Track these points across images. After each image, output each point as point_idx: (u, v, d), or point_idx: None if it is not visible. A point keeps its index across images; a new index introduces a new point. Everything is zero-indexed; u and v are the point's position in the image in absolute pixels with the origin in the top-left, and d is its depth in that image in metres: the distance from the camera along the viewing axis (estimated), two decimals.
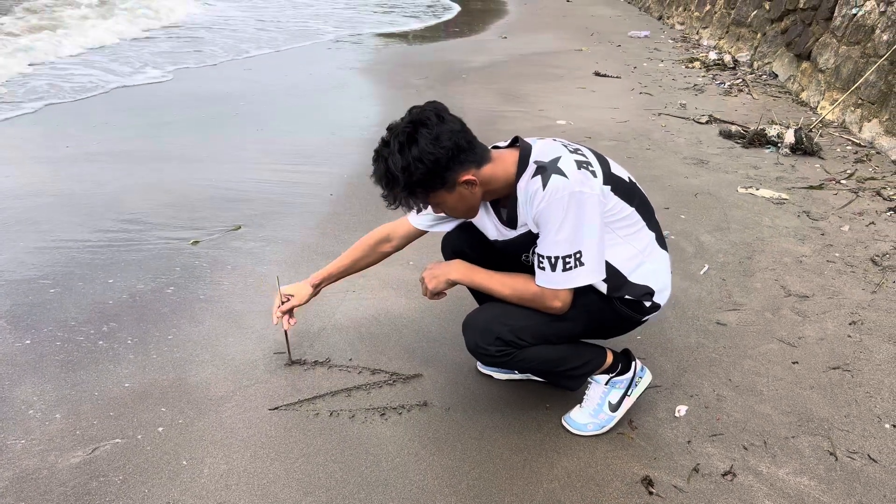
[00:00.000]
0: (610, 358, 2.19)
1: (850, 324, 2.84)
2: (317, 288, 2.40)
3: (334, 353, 2.57)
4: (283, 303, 2.35)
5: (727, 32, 9.39)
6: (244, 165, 4.68)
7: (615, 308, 2.01)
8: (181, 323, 2.76)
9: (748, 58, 8.34)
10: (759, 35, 8.32)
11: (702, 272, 3.25)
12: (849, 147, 5.22)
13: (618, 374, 2.20)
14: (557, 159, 1.85)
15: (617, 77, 7.74)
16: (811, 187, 4.39)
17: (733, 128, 5.63)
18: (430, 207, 1.97)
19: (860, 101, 5.50)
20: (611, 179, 1.90)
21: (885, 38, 5.36)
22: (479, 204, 1.97)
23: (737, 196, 4.24)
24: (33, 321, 2.75)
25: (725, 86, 7.29)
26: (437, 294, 2.07)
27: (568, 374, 2.12)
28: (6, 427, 2.16)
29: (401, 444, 2.13)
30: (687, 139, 5.46)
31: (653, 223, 2.04)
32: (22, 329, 2.70)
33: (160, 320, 2.78)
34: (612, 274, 1.95)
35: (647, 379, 2.28)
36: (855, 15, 5.87)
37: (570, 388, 2.21)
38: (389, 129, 1.83)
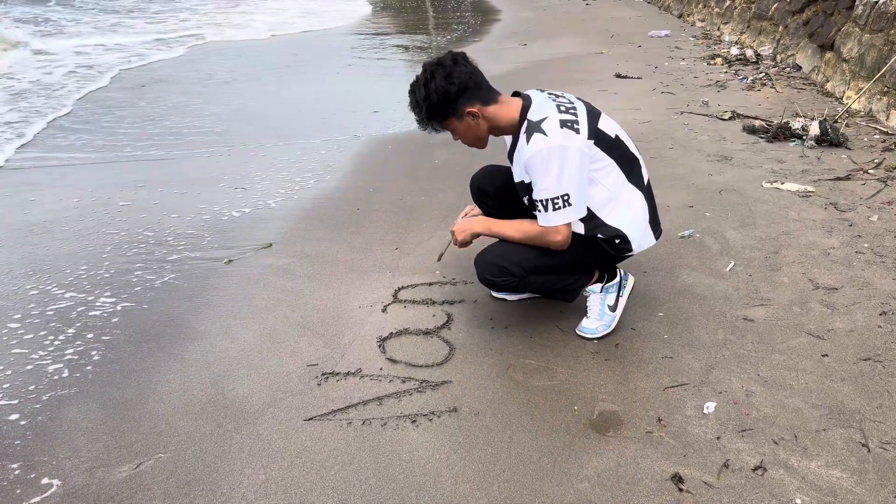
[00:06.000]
0: (596, 275, 2.72)
1: (880, 314, 2.82)
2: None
3: (365, 364, 2.64)
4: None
5: (748, 27, 9.30)
6: (273, 183, 4.79)
7: (595, 244, 2.48)
8: (217, 339, 2.85)
9: (771, 51, 8.26)
10: (780, 28, 8.23)
11: (727, 269, 3.25)
12: (876, 136, 5.14)
13: (607, 282, 2.71)
14: (543, 120, 2.29)
15: (638, 78, 7.72)
16: (838, 178, 4.34)
17: (757, 122, 5.58)
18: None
19: (886, 89, 5.42)
20: (595, 134, 2.34)
21: None
22: (485, 135, 2.47)
23: (762, 191, 4.21)
24: (77, 344, 2.87)
25: (748, 81, 7.23)
26: (464, 244, 2.60)
27: (566, 289, 2.67)
28: (56, 446, 2.27)
29: (432, 450, 2.18)
30: (710, 136, 5.44)
31: (634, 175, 2.48)
32: (66, 352, 2.82)
33: (197, 338, 2.87)
34: (589, 215, 2.41)
35: (631, 280, 2.81)
36: (877, 3, 5.79)
37: (567, 300, 2.76)
38: (422, 68, 2.38)
